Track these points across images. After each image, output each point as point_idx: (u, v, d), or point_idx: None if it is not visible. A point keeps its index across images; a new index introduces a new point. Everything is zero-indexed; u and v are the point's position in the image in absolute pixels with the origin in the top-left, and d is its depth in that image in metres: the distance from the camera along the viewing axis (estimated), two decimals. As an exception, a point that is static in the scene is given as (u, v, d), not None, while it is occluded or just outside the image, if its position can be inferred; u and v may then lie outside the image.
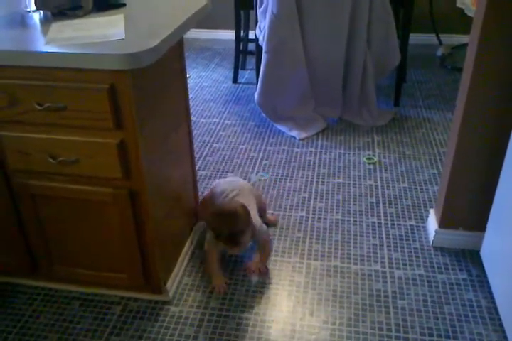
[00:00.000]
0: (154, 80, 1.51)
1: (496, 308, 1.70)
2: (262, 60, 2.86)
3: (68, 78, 1.33)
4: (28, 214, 1.61)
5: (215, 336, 1.62)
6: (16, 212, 1.61)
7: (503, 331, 1.61)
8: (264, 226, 1.87)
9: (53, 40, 1.35)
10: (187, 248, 1.96)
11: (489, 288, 1.78)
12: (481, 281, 1.83)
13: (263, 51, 2.83)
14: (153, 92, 1.50)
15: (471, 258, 1.94)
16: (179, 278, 1.85)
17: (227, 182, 2.04)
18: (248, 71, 3.86)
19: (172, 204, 1.75)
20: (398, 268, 1.90)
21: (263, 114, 3.06)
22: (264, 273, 1.87)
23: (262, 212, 2.04)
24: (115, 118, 1.36)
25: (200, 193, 2.26)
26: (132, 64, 1.27)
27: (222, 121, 3.12)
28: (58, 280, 1.77)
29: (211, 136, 2.93)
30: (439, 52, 4.00)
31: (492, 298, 1.74)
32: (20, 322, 1.67)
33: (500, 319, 1.65)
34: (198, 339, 1.61)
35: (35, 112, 1.38)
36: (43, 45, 1.33)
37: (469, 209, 1.93)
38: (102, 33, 1.39)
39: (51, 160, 1.45)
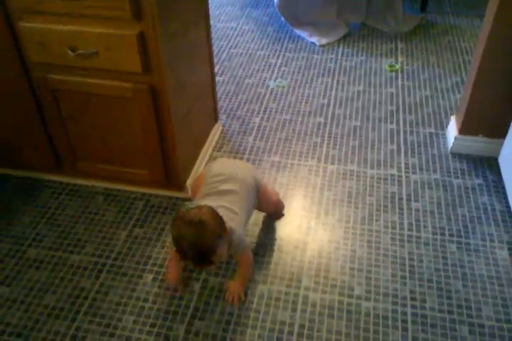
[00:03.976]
0: (173, -31, 1.43)
1: (509, 211, 1.73)
2: (284, -43, 2.69)
3: (84, -38, 1.27)
4: (50, 110, 1.61)
5: (234, 231, 1.68)
6: (38, 108, 1.62)
7: (514, 232, 1.66)
8: (244, 241, 1.42)
9: None
10: (206, 148, 1.98)
11: (504, 193, 1.80)
12: (497, 186, 1.85)
13: None
14: (172, -18, 1.43)
15: (488, 165, 1.95)
16: (198, 178, 1.89)
17: (229, 166, 1.58)
18: (267, -27, 3.66)
19: (192, 103, 1.74)
20: (414, 173, 1.92)
21: (282, 19, 2.94)
22: (241, 302, 1.46)
23: (271, 213, 1.72)
24: (134, 8, 1.31)
25: (218, 97, 2.24)
26: None
27: (239, 26, 3.01)
28: (82, 176, 1.83)
29: (228, 41, 2.85)
30: (473, -46, 3.71)
31: (506, 202, 1.77)
32: (47, 214, 1.75)
33: (512, 221, 1.69)
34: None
35: (53, 2, 1.34)
36: None
37: (491, 116, 1.90)
38: None
39: (70, 52, 1.42)
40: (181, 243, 1.23)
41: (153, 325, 1.40)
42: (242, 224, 1.43)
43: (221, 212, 1.31)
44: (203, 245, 1.22)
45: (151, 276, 1.53)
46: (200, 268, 1.46)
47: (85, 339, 1.36)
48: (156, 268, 1.55)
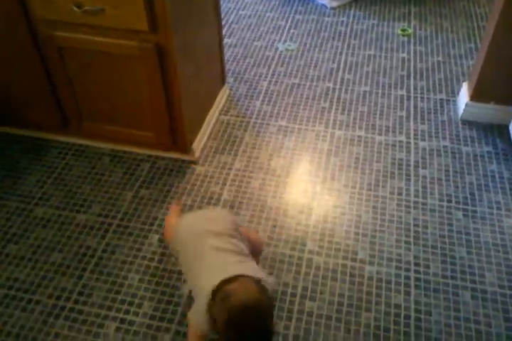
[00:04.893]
0: None
1: (516, 180, 1.72)
2: None
3: None
4: (57, 69, 1.59)
5: (239, 194, 1.68)
6: (45, 68, 1.60)
7: (521, 200, 1.65)
8: (272, 282, 1.13)
9: None
10: (213, 112, 1.96)
11: (513, 161, 1.79)
12: (506, 154, 1.82)
13: None
14: None
15: (499, 133, 1.92)
16: (204, 141, 1.87)
17: (207, 220, 1.26)
18: None
19: (199, 65, 1.71)
20: (423, 140, 1.90)
21: (293, -20, 2.86)
22: None
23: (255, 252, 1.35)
24: (141, -39, 1.27)
25: (225, 60, 2.20)
26: None
27: (249, -14, 2.93)
28: (88, 137, 1.82)
29: (236, 3, 2.77)
30: None
31: (514, 170, 1.76)
32: (54, 174, 1.75)
33: (519, 189, 1.68)
34: (223, 195, 1.68)
35: (56, -48, 1.29)
36: None
37: (503, 83, 1.85)
38: None
39: (76, 9, 1.38)
40: (243, 332, 0.98)
41: (158, 284, 1.42)
42: (260, 269, 1.19)
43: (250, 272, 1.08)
44: (269, 325, 1.01)
45: (156, 237, 1.54)
46: None
47: (91, 296, 1.39)
48: (161, 229, 1.56)
